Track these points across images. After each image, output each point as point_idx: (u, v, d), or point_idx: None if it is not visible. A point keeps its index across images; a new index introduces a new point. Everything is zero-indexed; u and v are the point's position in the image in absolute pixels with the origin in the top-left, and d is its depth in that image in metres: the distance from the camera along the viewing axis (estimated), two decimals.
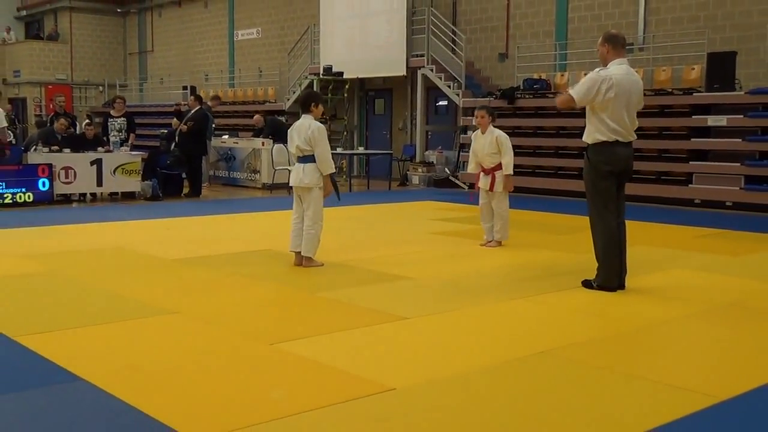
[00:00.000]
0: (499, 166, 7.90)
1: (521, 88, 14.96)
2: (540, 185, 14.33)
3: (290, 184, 7.03)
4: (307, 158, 6.77)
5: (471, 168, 8.14)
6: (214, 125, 16.30)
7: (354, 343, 4.51)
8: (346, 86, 16.86)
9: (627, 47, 6.31)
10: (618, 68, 5.78)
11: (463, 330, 4.85)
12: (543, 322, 5.07)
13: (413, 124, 18.40)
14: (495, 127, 7.96)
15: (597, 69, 5.89)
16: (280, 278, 6.42)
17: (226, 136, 16.74)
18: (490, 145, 7.86)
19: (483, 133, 7.97)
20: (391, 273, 6.60)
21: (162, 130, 17.16)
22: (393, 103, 19.18)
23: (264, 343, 4.45)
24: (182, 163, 13.57)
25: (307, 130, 6.67)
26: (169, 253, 7.52)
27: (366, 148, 18.82)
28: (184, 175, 13.82)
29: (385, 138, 19.44)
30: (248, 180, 15.60)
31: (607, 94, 5.63)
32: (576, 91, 5.80)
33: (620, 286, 5.95)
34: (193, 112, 13.89)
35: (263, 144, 15.01)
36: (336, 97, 17.52)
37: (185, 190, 13.78)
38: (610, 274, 5.91)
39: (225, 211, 11.50)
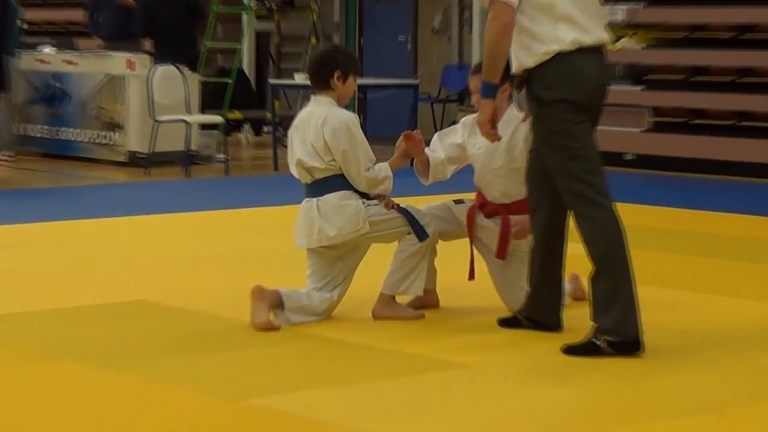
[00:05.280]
0: None
1: None
2: None
3: (298, 247, 4.57)
4: (324, 184, 4.32)
5: None
6: (22, 22, 11.35)
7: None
8: None
9: None
10: None
11: None
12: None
13: (464, 21, 12.06)
14: None
15: None
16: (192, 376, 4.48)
17: (50, 50, 12.04)
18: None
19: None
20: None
21: None
22: None
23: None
24: None
25: (319, 127, 4.16)
26: None
27: (361, 75, 11.64)
28: None
29: (402, 54, 13.09)
30: (97, 145, 10.98)
31: None
32: None
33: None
34: None
35: (130, 67, 10.70)
36: None
37: None
38: (628, 314, 3.73)
39: (45, 217, 8.12)
